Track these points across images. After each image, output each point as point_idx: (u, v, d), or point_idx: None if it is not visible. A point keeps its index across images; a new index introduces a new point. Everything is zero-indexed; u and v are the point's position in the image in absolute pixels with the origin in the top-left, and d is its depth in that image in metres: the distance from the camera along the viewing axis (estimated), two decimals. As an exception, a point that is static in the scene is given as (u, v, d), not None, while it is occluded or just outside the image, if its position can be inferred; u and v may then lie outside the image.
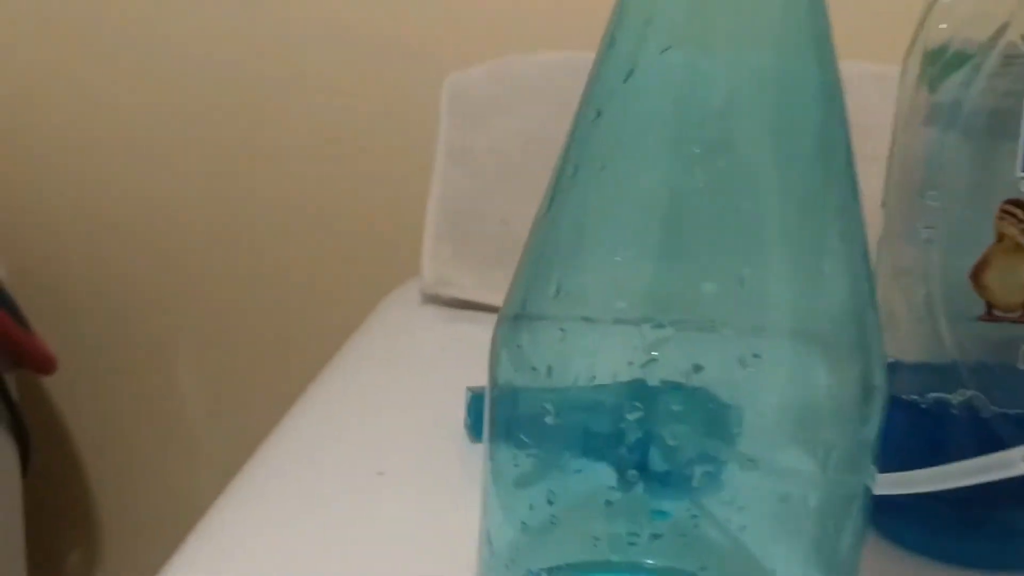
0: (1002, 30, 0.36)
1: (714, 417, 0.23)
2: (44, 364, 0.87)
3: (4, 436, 0.86)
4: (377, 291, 0.79)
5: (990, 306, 0.36)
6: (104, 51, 0.97)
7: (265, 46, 0.94)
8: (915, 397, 0.37)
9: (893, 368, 0.38)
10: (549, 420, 0.23)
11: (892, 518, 0.37)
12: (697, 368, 0.21)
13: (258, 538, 0.38)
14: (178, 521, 0.99)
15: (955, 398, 0.36)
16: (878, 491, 0.25)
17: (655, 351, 0.21)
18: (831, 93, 0.23)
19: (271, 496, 0.42)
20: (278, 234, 0.98)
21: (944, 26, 0.38)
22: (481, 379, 0.48)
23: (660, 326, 0.22)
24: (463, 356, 0.58)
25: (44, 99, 0.99)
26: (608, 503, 0.23)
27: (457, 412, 0.48)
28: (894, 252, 0.38)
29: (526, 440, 0.24)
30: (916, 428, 0.37)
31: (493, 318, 0.68)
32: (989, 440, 0.34)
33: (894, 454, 0.29)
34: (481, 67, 0.73)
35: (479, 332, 0.65)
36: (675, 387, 0.23)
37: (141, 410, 1.05)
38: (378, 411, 0.52)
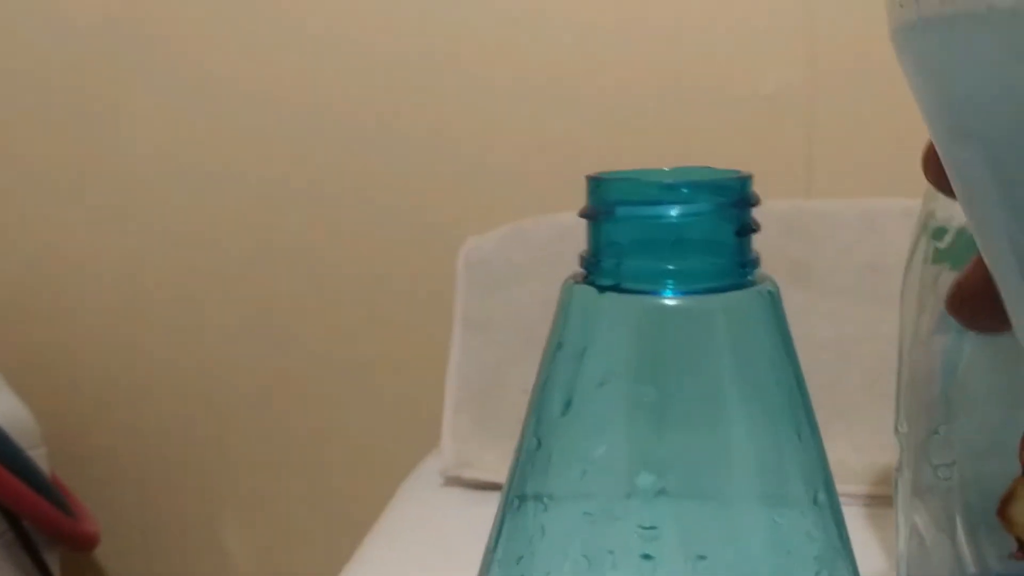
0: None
1: None
2: (86, 544, 0.87)
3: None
4: (415, 447, 0.77)
5: (1021, 543, 0.33)
6: (136, 216, 0.99)
7: (286, 217, 0.95)
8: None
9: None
10: None
11: None
12: None
13: None
14: None
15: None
16: None
17: None
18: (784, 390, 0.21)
19: None
20: (313, 399, 0.98)
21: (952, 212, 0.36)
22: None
23: None
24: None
25: (81, 271, 1.01)
26: None
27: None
28: (913, 473, 0.35)
29: None
30: None
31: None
32: None
33: None
34: (496, 232, 0.72)
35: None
36: None
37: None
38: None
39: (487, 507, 0.70)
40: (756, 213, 0.21)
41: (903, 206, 0.72)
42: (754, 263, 0.22)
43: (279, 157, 0.95)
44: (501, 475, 0.70)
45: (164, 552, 1.03)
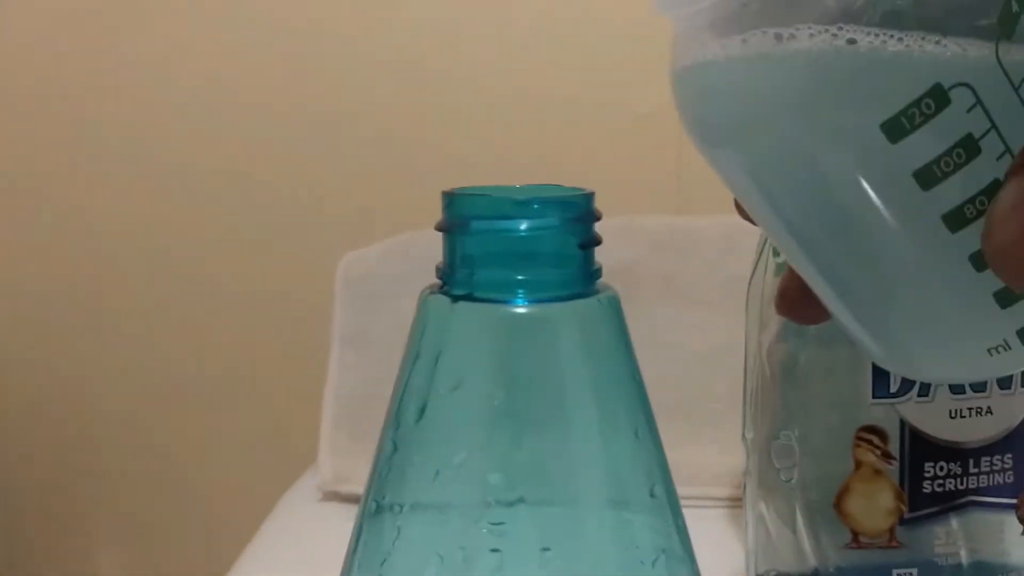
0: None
1: None
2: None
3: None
4: (295, 461, 0.76)
5: (855, 534, 0.35)
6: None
7: (159, 229, 0.93)
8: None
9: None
10: None
11: None
12: None
13: None
14: None
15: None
16: None
17: None
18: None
19: None
20: (189, 415, 0.96)
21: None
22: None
23: None
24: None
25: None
26: None
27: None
28: (759, 474, 0.38)
29: None
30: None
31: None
32: None
33: None
34: (376, 246, 0.72)
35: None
36: None
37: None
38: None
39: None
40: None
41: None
42: (597, 273, 0.23)
43: (158, 161, 0.93)
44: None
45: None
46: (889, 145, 0.18)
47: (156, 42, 0.93)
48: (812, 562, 0.36)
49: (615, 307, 0.23)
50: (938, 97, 0.18)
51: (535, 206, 0.22)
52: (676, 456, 0.24)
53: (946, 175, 0.19)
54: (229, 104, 0.92)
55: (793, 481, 0.36)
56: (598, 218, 0.23)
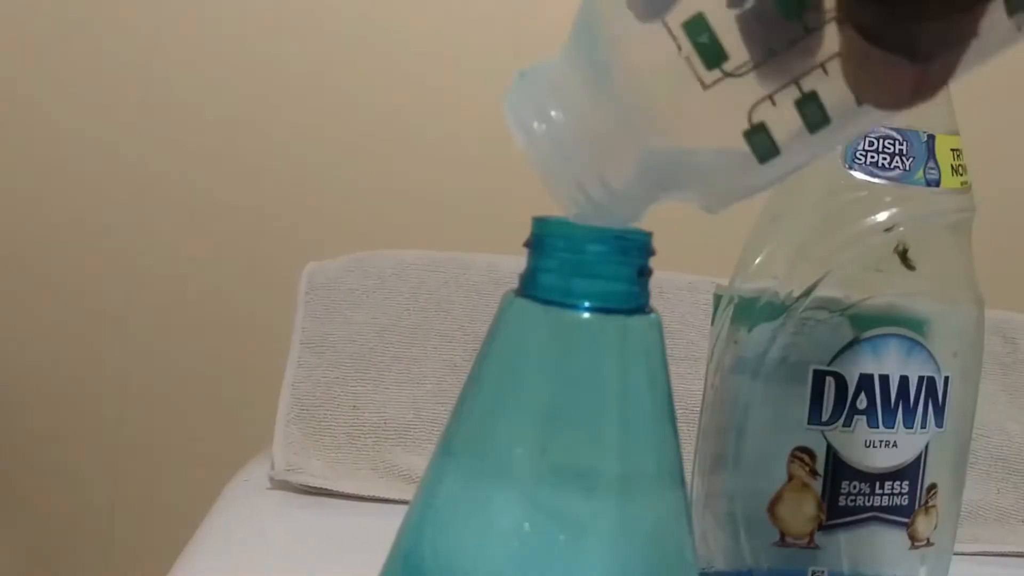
0: (811, 289, 0.43)
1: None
2: None
3: None
4: (235, 454, 0.80)
5: (783, 534, 0.43)
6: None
7: (129, 219, 0.95)
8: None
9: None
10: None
11: None
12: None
13: None
14: None
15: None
16: None
17: None
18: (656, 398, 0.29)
19: None
20: (135, 400, 0.97)
21: (757, 283, 0.45)
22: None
23: None
24: (314, 548, 0.61)
25: None
26: None
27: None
28: (706, 480, 0.45)
29: None
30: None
31: (340, 504, 0.70)
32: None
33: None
34: (337, 260, 0.78)
35: (327, 519, 0.67)
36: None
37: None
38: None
39: (311, 511, 0.74)
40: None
41: (687, 280, 0.84)
42: (649, 296, 0.30)
43: (124, 163, 0.95)
44: (327, 481, 0.75)
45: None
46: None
47: (120, 47, 0.96)
48: (748, 560, 0.43)
49: (660, 326, 0.30)
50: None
51: (606, 236, 0.29)
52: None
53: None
54: (199, 111, 0.96)
55: (735, 495, 0.43)
56: (652, 253, 0.30)
